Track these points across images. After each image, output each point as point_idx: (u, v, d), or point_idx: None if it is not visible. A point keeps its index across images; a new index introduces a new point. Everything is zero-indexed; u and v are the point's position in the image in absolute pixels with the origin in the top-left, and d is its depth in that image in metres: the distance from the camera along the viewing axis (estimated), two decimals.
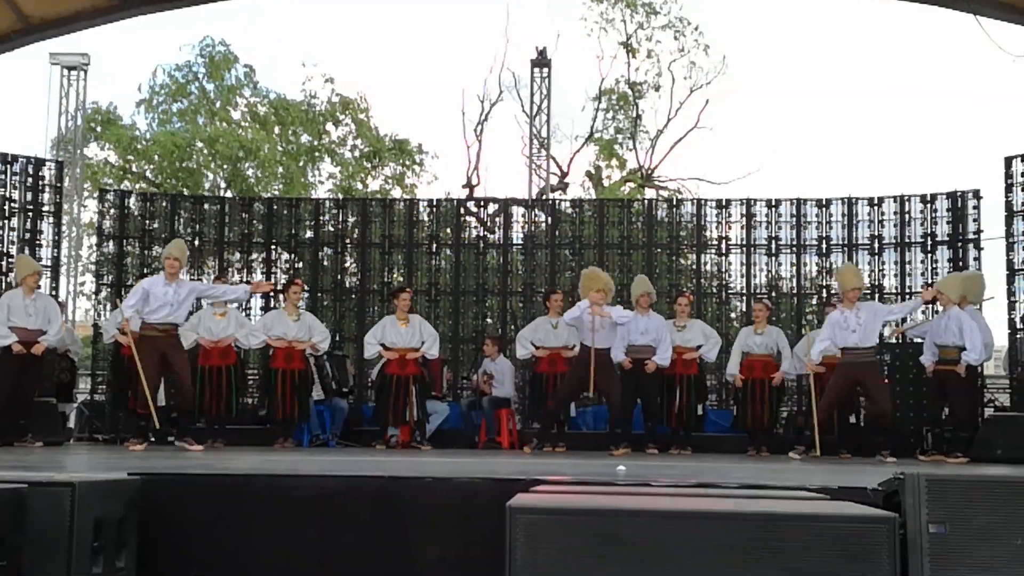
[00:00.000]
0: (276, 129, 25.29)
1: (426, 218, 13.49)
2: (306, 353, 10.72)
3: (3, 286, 11.65)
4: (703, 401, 10.94)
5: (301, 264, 13.43)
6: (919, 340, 10.47)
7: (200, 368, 10.47)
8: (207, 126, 24.25)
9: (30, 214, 12.09)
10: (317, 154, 25.42)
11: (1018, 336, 11.37)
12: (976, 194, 12.01)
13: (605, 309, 9.84)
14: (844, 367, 9.54)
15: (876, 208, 12.56)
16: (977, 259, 11.81)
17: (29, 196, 12.12)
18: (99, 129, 23.59)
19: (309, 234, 13.46)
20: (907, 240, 12.36)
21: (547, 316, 11.01)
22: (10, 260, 11.79)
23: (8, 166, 12.04)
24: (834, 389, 9.60)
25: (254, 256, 13.39)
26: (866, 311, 9.57)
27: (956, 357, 9.73)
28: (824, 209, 12.73)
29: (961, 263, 11.82)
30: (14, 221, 11.99)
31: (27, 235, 12.01)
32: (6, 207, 11.91)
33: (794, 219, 12.78)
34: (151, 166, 24.28)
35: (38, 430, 9.64)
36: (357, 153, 25.68)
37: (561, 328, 10.74)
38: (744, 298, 12.84)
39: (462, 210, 14.06)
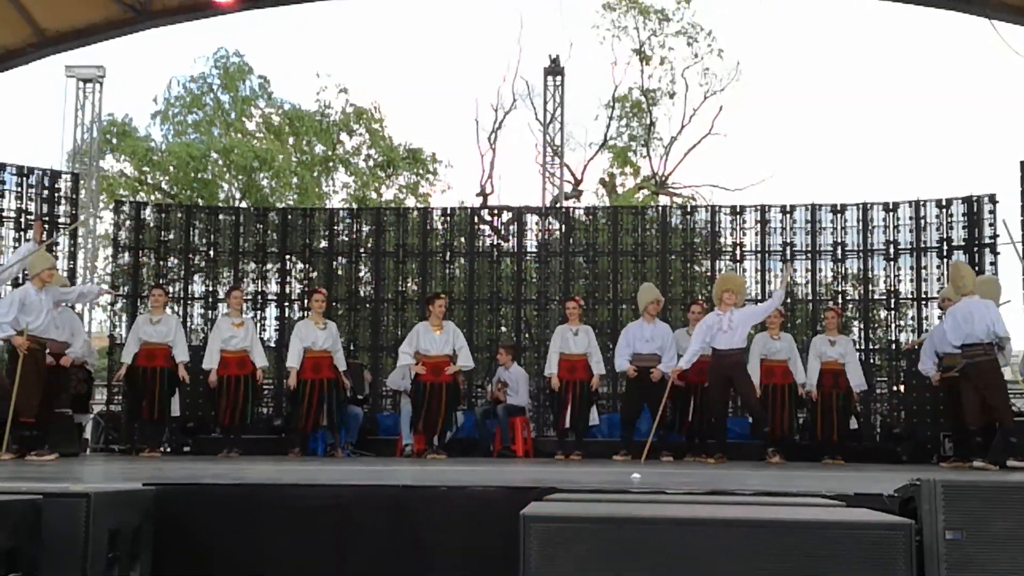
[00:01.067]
0: (290, 139, 25.41)
1: (440, 227, 13.51)
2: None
3: None
4: None
5: (316, 274, 13.46)
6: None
7: (218, 377, 10.51)
8: (222, 137, 24.38)
9: (46, 226, 12.14)
10: (331, 164, 25.52)
11: None
12: (992, 198, 11.95)
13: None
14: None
15: (891, 213, 12.50)
16: (994, 264, 11.74)
17: (45, 208, 12.19)
18: (115, 141, 23.76)
19: (323, 244, 13.49)
20: (923, 245, 12.30)
21: (567, 324, 10.95)
22: (26, 273, 11.82)
23: (24, 178, 12.12)
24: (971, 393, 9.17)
25: (269, 266, 13.43)
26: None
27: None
28: (839, 215, 12.69)
29: (977, 268, 11.75)
30: (31, 233, 12.03)
31: None
32: (22, 219, 11.98)
33: (809, 225, 12.74)
34: (166, 177, 24.43)
35: (54, 442, 9.66)
36: (371, 163, 25.78)
37: (582, 335, 10.73)
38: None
39: (476, 218, 14.06)
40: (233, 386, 10.47)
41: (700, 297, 12.29)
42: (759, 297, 12.78)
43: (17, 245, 11.91)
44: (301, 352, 10.56)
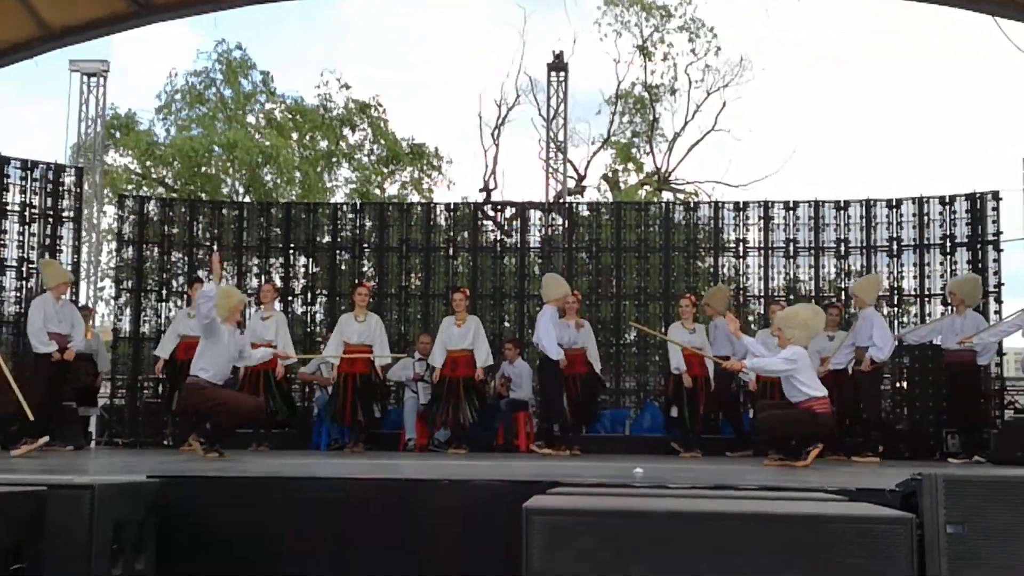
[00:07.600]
0: (294, 134, 25.40)
1: (443, 222, 13.50)
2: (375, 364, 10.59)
3: (24, 292, 11.73)
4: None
5: (319, 268, 13.46)
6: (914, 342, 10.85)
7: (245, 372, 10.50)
8: (224, 132, 24.37)
9: (50, 220, 12.15)
10: (335, 159, 25.51)
11: None
12: (995, 195, 11.92)
13: None
14: None
15: (895, 210, 12.49)
16: (996, 260, 11.73)
17: (49, 202, 12.19)
18: (118, 135, 23.75)
19: (327, 239, 13.51)
20: (926, 242, 12.28)
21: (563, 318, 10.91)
22: (31, 265, 11.86)
23: (29, 172, 12.12)
24: None
25: (272, 261, 13.43)
26: None
27: None
28: (842, 211, 12.67)
29: (980, 264, 11.75)
30: (35, 227, 12.06)
31: (47, 241, 12.07)
32: (27, 213, 11.99)
33: (812, 221, 12.73)
34: (170, 172, 24.43)
35: (58, 434, 9.69)
36: (374, 158, 25.75)
37: (584, 332, 10.74)
38: (761, 301, 12.81)
39: (479, 214, 14.06)
40: (255, 380, 10.35)
41: (688, 292, 12.19)
42: (761, 294, 12.79)
43: (21, 239, 11.90)
44: (340, 345, 10.56)
